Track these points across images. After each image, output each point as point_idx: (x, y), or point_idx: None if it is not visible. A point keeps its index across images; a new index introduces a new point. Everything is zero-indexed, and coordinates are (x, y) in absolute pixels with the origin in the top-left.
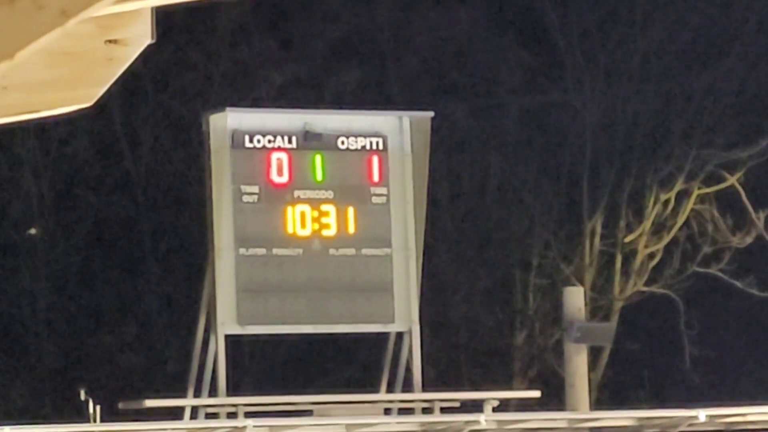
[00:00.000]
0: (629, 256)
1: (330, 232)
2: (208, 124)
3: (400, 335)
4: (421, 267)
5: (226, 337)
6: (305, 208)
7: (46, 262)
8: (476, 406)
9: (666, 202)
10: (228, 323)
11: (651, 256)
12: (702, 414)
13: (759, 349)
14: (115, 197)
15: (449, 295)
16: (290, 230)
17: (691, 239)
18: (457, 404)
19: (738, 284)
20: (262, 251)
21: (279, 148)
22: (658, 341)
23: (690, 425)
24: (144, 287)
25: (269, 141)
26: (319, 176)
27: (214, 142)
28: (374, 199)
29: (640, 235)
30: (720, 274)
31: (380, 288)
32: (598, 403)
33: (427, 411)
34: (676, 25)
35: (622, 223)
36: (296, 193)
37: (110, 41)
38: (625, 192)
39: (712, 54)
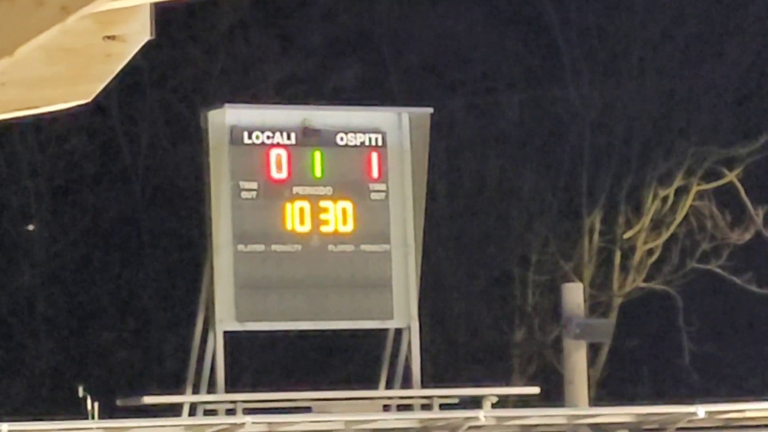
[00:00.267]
0: (628, 252)
1: (329, 228)
2: (207, 120)
3: (398, 331)
4: (420, 263)
5: (225, 333)
6: (304, 204)
7: (44, 258)
8: (475, 403)
9: (665, 199)
10: (226, 320)
11: (650, 252)
12: (701, 410)
13: (758, 346)
14: (113, 193)
15: (448, 292)
16: (289, 226)
17: (690, 235)
18: (456, 400)
19: (737, 280)
20: (260, 247)
21: (278, 145)
22: (657, 337)
23: (689, 421)
24: (142, 284)
25: (268, 137)
26: (318, 172)
27: (212, 139)
28: (373, 196)
29: (639, 231)
30: (719, 270)
31: (379, 284)
32: (597, 400)
33: (426, 407)
34: (675, 21)
35: (621, 220)
36: (295, 189)
37: (109, 37)
38: (624, 188)
39: (712, 50)
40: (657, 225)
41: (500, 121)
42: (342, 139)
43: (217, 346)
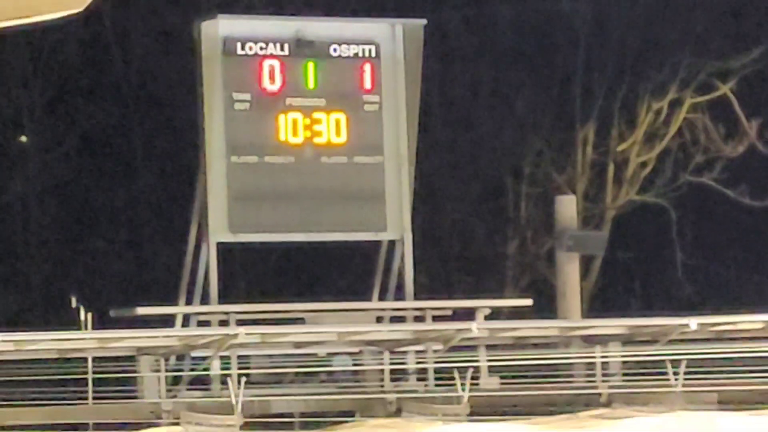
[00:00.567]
0: (621, 164)
1: (322, 139)
2: (200, 31)
3: (392, 243)
4: (413, 175)
5: (218, 244)
6: (297, 115)
7: (37, 169)
8: (468, 315)
9: (658, 111)
10: (220, 231)
11: (643, 165)
12: (693, 322)
13: (750, 258)
14: (105, 105)
15: (441, 204)
16: (282, 138)
17: (684, 148)
18: (449, 312)
19: (730, 193)
20: (254, 159)
21: (271, 56)
22: (650, 250)
23: (681, 333)
24: (135, 195)
25: (261, 48)
26: (311, 84)
27: (205, 50)
28: (366, 107)
29: (633, 143)
30: (712, 183)
31: (372, 196)
32: (589, 312)
33: (419, 319)
34: None
35: (615, 132)
36: (288, 100)
37: None
38: (618, 101)
39: None
40: (650, 137)
41: (493, 32)
42: (335, 50)
43: (210, 257)
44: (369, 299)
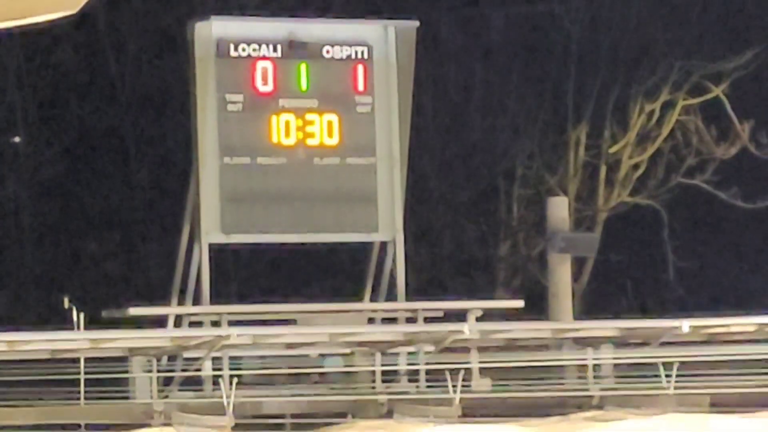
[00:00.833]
0: (613, 166)
1: (314, 141)
2: (193, 32)
3: (384, 245)
4: (405, 176)
5: (210, 245)
6: (290, 117)
7: (31, 170)
8: (460, 316)
9: (651, 113)
10: (212, 232)
11: (635, 166)
12: (685, 324)
13: (742, 261)
14: (99, 106)
15: (433, 205)
16: (275, 139)
17: (676, 150)
18: (441, 314)
19: (722, 195)
20: (246, 160)
21: (264, 57)
22: (642, 252)
23: (673, 336)
24: (128, 196)
25: (254, 50)
26: (303, 85)
27: (199, 51)
28: (359, 108)
29: (625, 145)
30: (704, 185)
31: (364, 197)
32: (581, 314)
33: (410, 320)
34: None
35: (607, 134)
36: (281, 102)
37: None
38: (610, 102)
39: None
40: (642, 139)
41: (486, 34)
42: (328, 51)
43: (202, 258)
44: (361, 300)
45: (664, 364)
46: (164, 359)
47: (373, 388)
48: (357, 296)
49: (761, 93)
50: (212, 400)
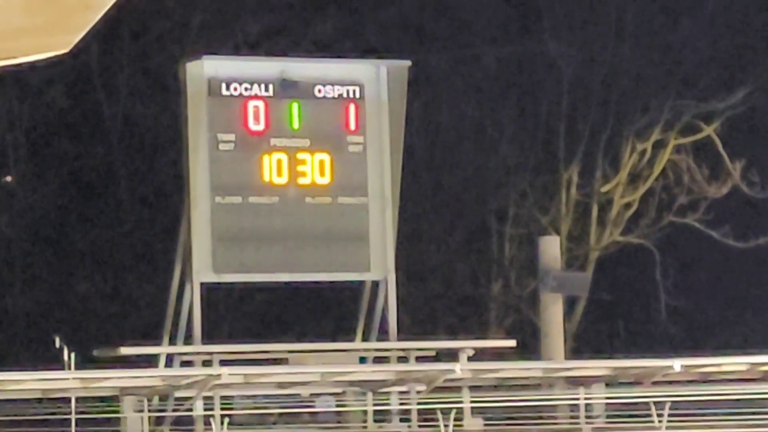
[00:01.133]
0: (605, 205)
1: (306, 180)
2: (185, 71)
3: (375, 284)
4: (397, 216)
5: (202, 284)
6: (282, 156)
7: (22, 209)
8: (452, 356)
9: (642, 152)
10: (203, 271)
11: (627, 206)
12: (677, 364)
13: (734, 300)
14: (91, 145)
15: (425, 244)
16: (266, 178)
17: (668, 189)
18: (433, 353)
19: (714, 234)
20: (238, 199)
21: (256, 96)
22: (634, 291)
23: (665, 375)
24: (120, 235)
25: (246, 89)
26: (295, 124)
27: (190, 90)
28: (351, 148)
29: (617, 185)
30: (696, 224)
31: (356, 236)
32: (573, 353)
33: (402, 360)
34: None
35: (599, 173)
36: (273, 141)
37: None
38: (602, 142)
39: (689, 4)
40: (634, 179)
41: (478, 74)
42: (320, 91)
43: (194, 297)
44: (352, 340)
45: (656, 403)
46: (155, 399)
47: (365, 427)
48: (349, 335)
49: (752, 132)
50: None
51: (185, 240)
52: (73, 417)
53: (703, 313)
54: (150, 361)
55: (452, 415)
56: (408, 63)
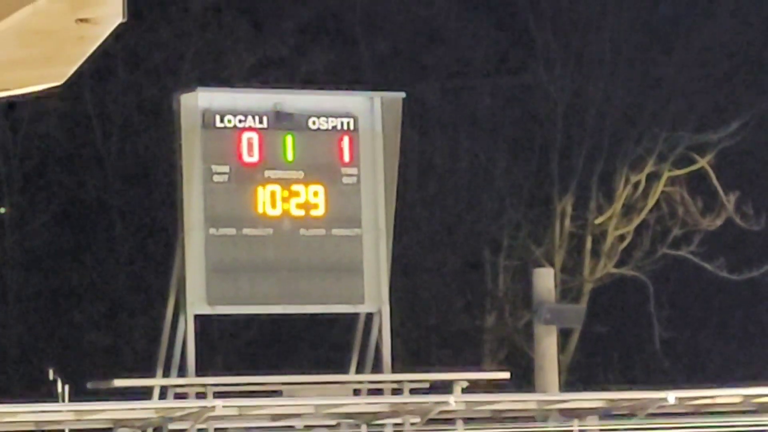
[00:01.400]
0: (599, 237)
1: (300, 212)
2: (179, 103)
3: (369, 316)
4: (391, 247)
5: (196, 317)
6: (276, 188)
7: (16, 240)
8: (446, 387)
9: (636, 184)
10: (197, 303)
11: (621, 237)
12: (671, 396)
13: (728, 332)
14: (85, 176)
15: (419, 276)
16: (260, 210)
17: (661, 221)
18: (427, 385)
19: (708, 266)
20: (232, 231)
21: (250, 128)
22: (628, 323)
23: (659, 407)
24: (114, 267)
25: (240, 121)
26: (289, 156)
27: (184, 122)
28: (345, 180)
29: (611, 216)
30: (690, 256)
31: (350, 268)
32: (567, 385)
33: (396, 392)
34: (646, 7)
35: (593, 205)
36: (267, 173)
37: (81, 20)
38: (596, 174)
39: (683, 36)
40: (628, 210)
41: (472, 105)
42: (314, 123)
43: (187, 329)
44: (346, 371)
45: None
46: (149, 431)
47: None
48: (343, 367)
49: (746, 164)
50: None
51: (179, 272)
52: None
53: (697, 345)
54: (144, 393)
55: None
56: (402, 95)
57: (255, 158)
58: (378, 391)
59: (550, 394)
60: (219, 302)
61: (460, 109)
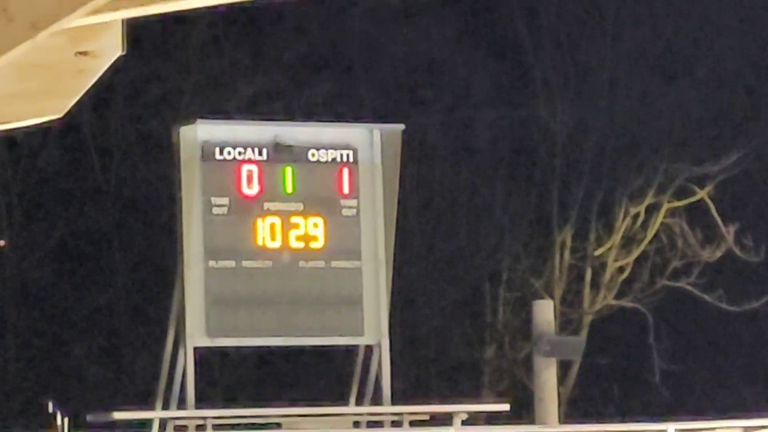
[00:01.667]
0: (599, 269)
1: (300, 244)
2: (179, 135)
3: (369, 348)
4: (390, 279)
5: (195, 349)
6: (275, 220)
7: (15, 273)
8: (445, 419)
9: (636, 216)
10: (197, 335)
11: (621, 269)
12: (671, 428)
13: (728, 364)
14: (84, 209)
15: (419, 308)
16: (260, 242)
17: (661, 253)
18: (427, 417)
19: (707, 298)
20: (231, 263)
21: (249, 160)
22: (628, 355)
23: None
24: (113, 299)
25: (239, 153)
26: (289, 188)
27: (184, 154)
28: (344, 212)
29: (610, 248)
30: (689, 287)
31: (350, 300)
32: (567, 417)
33: (396, 424)
34: (645, 39)
35: (592, 237)
36: (266, 205)
37: (80, 53)
38: (595, 205)
39: (682, 68)
40: (628, 242)
41: (472, 137)
42: (313, 155)
43: (187, 361)
44: (346, 404)
45: None
46: None
47: None
48: (342, 400)
49: (746, 196)
50: None
51: (179, 304)
52: None
53: (697, 376)
54: (143, 426)
55: None
56: (401, 127)
57: (254, 190)
58: (378, 424)
59: (549, 425)
60: (219, 334)
61: (460, 141)
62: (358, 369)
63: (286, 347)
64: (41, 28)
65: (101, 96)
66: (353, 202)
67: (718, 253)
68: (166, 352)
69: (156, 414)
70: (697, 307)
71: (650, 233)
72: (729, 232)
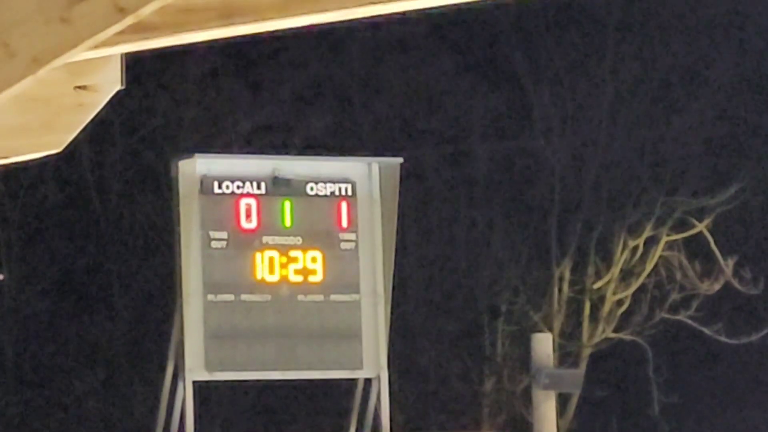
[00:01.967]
0: (598, 302)
1: (298, 278)
2: (177, 169)
3: (368, 381)
4: (389, 313)
5: (194, 383)
6: (274, 254)
7: (13, 307)
8: None
9: (634, 249)
10: (196, 369)
11: (619, 302)
12: None
13: (727, 396)
14: (83, 243)
15: (418, 341)
16: (259, 276)
17: (660, 286)
18: None
19: (706, 331)
20: (230, 297)
21: (248, 194)
22: (627, 388)
23: None
24: (112, 333)
25: (238, 187)
26: (287, 222)
27: (182, 188)
28: (343, 245)
29: (609, 281)
30: (688, 320)
31: (349, 334)
32: None
33: None
34: (644, 71)
35: (591, 270)
36: (265, 239)
37: (80, 87)
38: (594, 238)
39: (681, 100)
40: (626, 275)
41: (470, 170)
42: (312, 188)
43: (186, 395)
44: None
45: None
46: None
47: None
48: None
49: (744, 229)
50: None
51: (177, 338)
52: None
53: (696, 409)
54: None
55: None
56: (400, 160)
57: (253, 224)
58: None
59: None
60: (217, 368)
61: (458, 173)
62: (357, 402)
63: (285, 381)
64: (43, 64)
65: (100, 130)
66: (352, 236)
67: (717, 286)
68: (165, 386)
69: None
70: (696, 339)
71: (649, 266)
72: (728, 264)
